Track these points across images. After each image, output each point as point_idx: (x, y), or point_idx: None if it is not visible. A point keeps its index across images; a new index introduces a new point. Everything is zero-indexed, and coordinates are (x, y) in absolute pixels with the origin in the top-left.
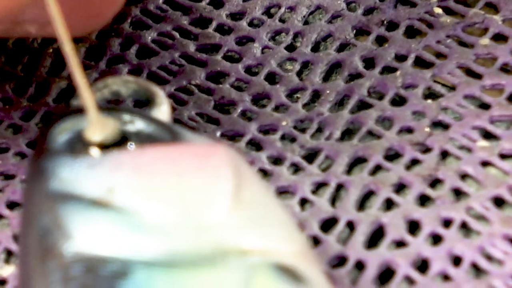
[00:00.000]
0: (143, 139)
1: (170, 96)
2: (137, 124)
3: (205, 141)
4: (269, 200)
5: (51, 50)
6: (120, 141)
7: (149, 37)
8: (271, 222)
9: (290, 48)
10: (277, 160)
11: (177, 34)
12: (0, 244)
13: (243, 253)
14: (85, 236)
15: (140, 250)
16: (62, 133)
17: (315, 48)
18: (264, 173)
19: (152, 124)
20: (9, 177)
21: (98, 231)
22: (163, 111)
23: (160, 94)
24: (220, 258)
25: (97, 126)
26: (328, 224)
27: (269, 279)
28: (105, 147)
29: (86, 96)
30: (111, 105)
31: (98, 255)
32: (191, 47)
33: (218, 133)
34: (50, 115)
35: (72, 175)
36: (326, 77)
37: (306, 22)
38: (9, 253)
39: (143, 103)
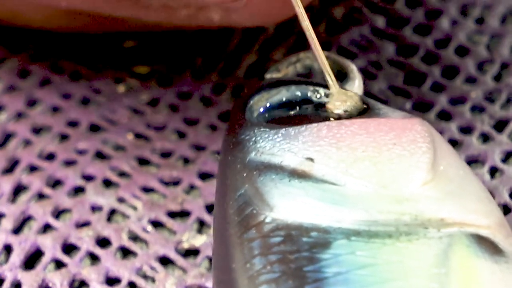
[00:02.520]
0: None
1: (360, 70)
2: (331, 97)
3: (399, 115)
4: (465, 173)
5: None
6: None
7: (339, 13)
8: (468, 194)
9: (479, 21)
10: (466, 130)
11: (367, 10)
12: (193, 214)
13: (441, 224)
14: (285, 205)
15: (340, 220)
16: (258, 105)
17: (503, 20)
18: (454, 143)
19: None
20: (200, 148)
21: (298, 200)
22: (356, 85)
23: (354, 68)
24: (419, 229)
25: (339, 98)
26: None
27: (468, 250)
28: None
29: (327, 68)
30: (306, 79)
31: (298, 224)
32: (380, 22)
33: (408, 105)
34: (241, 88)
35: (271, 146)
36: None
37: None
38: (201, 223)
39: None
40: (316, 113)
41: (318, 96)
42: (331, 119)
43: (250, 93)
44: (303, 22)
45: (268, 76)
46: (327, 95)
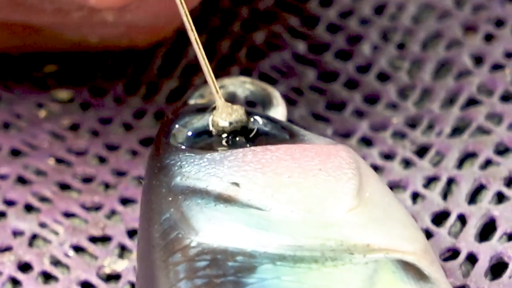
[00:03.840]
0: (263, 137)
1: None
2: (257, 123)
3: (324, 141)
4: (390, 199)
5: (161, 52)
6: (245, 133)
7: (260, 39)
8: (393, 221)
9: (400, 46)
10: (388, 156)
11: (287, 35)
12: (114, 239)
13: (367, 250)
14: (210, 230)
15: (265, 245)
16: (182, 131)
17: (424, 46)
18: (376, 168)
19: (272, 124)
20: (121, 173)
21: (223, 225)
22: (279, 112)
23: (277, 95)
24: (344, 254)
25: (224, 111)
26: (440, 218)
27: (394, 276)
28: (229, 140)
29: (212, 82)
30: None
31: (224, 248)
32: (301, 47)
33: (329, 132)
34: (162, 114)
35: (196, 170)
36: (436, 75)
37: (415, 21)
38: (123, 248)
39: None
40: (241, 138)
41: (245, 121)
42: (215, 140)
43: (175, 119)
44: (190, 31)
45: (192, 101)
46: (252, 121)
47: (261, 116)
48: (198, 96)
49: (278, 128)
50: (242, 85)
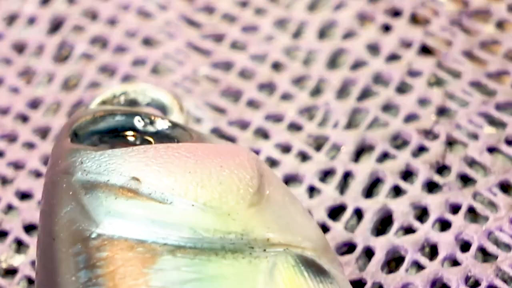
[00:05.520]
0: (164, 139)
1: (176, 85)
2: (158, 125)
3: (226, 143)
4: (290, 198)
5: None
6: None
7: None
8: (294, 218)
9: (295, 36)
10: (284, 149)
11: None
12: (11, 233)
13: (267, 244)
14: (110, 222)
15: (165, 237)
16: (84, 132)
17: (321, 36)
18: (272, 161)
19: (172, 126)
20: (18, 167)
21: (124, 217)
22: (179, 117)
23: (177, 101)
24: (245, 247)
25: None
26: (336, 212)
27: (293, 270)
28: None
29: None
30: (129, 108)
31: (124, 240)
32: (195, 35)
33: (225, 122)
34: (58, 104)
35: (97, 165)
36: (331, 66)
37: (311, 10)
38: (19, 243)
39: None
40: (141, 139)
41: (143, 124)
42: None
43: (76, 119)
44: None
45: (93, 104)
46: (152, 124)
47: (162, 119)
48: (100, 100)
49: (180, 131)
50: (143, 92)
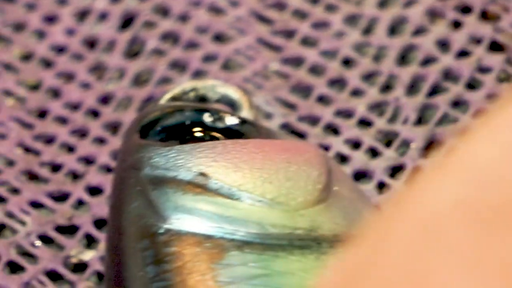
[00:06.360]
0: (232, 135)
1: (247, 81)
2: (227, 121)
3: (294, 139)
4: (359, 194)
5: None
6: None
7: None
8: (361, 214)
9: (366, 32)
10: (354, 145)
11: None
12: (81, 229)
13: (334, 240)
14: (178, 217)
15: (234, 232)
16: (153, 127)
17: (391, 33)
18: (341, 157)
19: (241, 122)
20: (89, 162)
21: (191, 213)
22: (249, 114)
23: (247, 99)
24: (312, 243)
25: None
26: None
27: None
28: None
29: None
30: (198, 104)
31: (191, 235)
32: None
33: (295, 117)
34: (130, 99)
35: (165, 161)
36: (401, 62)
37: (381, 7)
38: (90, 238)
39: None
40: (209, 135)
41: (212, 120)
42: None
43: (145, 115)
44: None
45: (163, 100)
46: (221, 120)
47: (231, 115)
48: (169, 96)
49: (249, 127)
50: (212, 89)
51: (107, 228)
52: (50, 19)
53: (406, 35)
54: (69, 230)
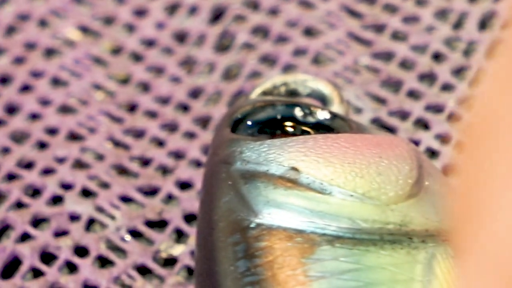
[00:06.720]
0: (323, 130)
1: (337, 75)
2: (318, 116)
3: (385, 134)
4: (449, 189)
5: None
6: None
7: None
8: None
9: (456, 27)
10: (444, 139)
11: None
12: (171, 223)
13: (426, 235)
14: (269, 212)
15: (324, 228)
16: (244, 121)
17: (481, 27)
18: (432, 152)
19: (332, 116)
20: (179, 156)
21: (282, 207)
22: (340, 109)
23: (338, 93)
24: (403, 238)
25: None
26: None
27: (451, 262)
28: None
29: None
30: (289, 99)
31: (282, 230)
32: (356, 26)
33: (385, 112)
34: (219, 93)
35: (256, 156)
36: (491, 56)
37: (472, 1)
38: (179, 233)
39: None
40: (300, 130)
41: (303, 115)
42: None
43: (236, 109)
44: None
45: (253, 95)
46: (312, 114)
47: (322, 110)
48: (260, 90)
49: (339, 122)
50: (303, 83)
51: (198, 223)
52: (140, 12)
53: (496, 29)
54: (159, 224)
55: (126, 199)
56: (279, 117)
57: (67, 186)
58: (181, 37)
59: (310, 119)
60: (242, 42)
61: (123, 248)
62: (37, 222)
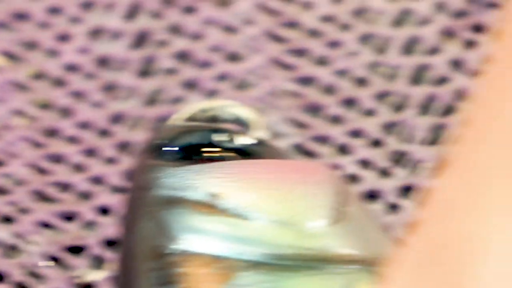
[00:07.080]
0: (245, 155)
1: (258, 100)
2: (239, 141)
3: (305, 160)
4: (369, 215)
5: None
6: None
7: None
8: (371, 236)
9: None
10: (365, 164)
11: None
12: (90, 249)
13: (344, 261)
14: (186, 238)
15: (244, 253)
16: (166, 147)
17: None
18: (353, 177)
19: (254, 142)
20: (99, 182)
21: (199, 233)
22: (262, 135)
23: (259, 119)
24: (321, 264)
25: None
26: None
27: (369, 287)
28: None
29: None
30: (210, 124)
31: (199, 256)
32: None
33: (306, 138)
34: (141, 119)
35: (173, 181)
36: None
37: (395, 26)
38: (99, 259)
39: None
40: (222, 156)
41: (224, 140)
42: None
43: (157, 135)
44: None
45: (175, 120)
46: (233, 140)
47: (244, 135)
48: (184, 115)
49: (261, 147)
50: (225, 109)
51: (119, 249)
52: (63, 37)
53: (419, 55)
54: (78, 250)
55: (45, 225)
56: (200, 142)
57: None
58: (103, 62)
59: (231, 145)
60: (165, 68)
61: (41, 274)
62: None
